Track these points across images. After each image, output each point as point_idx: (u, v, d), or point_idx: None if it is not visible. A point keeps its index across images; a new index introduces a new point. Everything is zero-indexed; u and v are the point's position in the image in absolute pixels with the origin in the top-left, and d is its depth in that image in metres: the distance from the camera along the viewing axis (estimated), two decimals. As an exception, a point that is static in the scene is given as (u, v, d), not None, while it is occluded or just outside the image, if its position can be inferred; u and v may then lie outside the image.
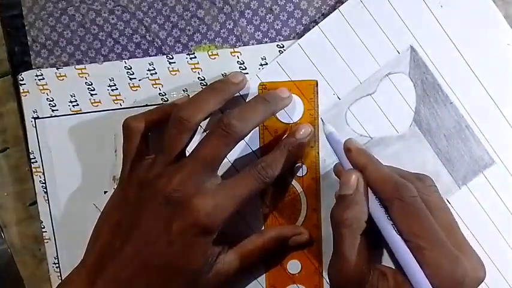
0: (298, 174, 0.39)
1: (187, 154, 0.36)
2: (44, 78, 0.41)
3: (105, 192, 0.42)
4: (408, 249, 0.31)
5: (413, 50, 0.38)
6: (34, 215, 0.43)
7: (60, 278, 0.43)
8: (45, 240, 0.42)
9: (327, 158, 0.39)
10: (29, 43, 0.42)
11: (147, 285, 0.34)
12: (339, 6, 0.38)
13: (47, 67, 0.42)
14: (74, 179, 0.42)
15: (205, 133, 0.40)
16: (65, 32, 0.41)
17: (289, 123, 0.39)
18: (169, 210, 0.34)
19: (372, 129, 0.39)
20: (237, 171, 0.38)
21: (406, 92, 0.38)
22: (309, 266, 0.40)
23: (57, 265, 0.42)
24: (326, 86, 0.39)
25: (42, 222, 0.42)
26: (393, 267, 0.33)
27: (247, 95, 0.39)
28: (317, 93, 0.39)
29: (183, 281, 0.34)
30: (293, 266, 0.40)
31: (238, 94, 0.39)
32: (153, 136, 0.38)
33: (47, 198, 0.42)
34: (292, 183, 0.39)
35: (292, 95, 0.39)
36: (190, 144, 0.36)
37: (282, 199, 0.40)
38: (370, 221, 0.33)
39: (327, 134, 0.36)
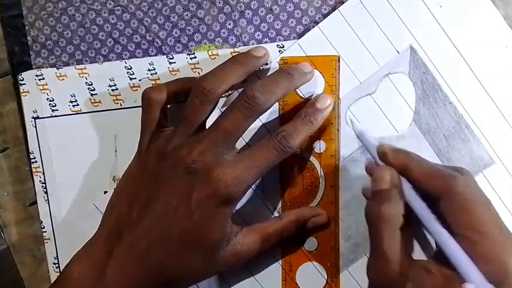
0: (316, 151, 0.39)
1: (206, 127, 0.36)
2: (44, 78, 0.41)
3: (105, 192, 0.42)
4: (458, 244, 0.31)
5: (412, 50, 0.38)
6: (34, 215, 0.43)
7: (60, 278, 0.43)
8: (45, 240, 0.42)
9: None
10: (29, 43, 0.42)
11: (165, 256, 0.34)
12: (339, 6, 0.38)
13: (47, 67, 0.42)
14: (74, 179, 0.42)
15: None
16: (65, 32, 0.41)
17: (309, 99, 0.39)
18: (188, 181, 0.34)
19: (372, 129, 0.39)
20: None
21: (405, 92, 0.38)
22: (325, 244, 0.39)
23: (57, 265, 0.42)
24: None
25: (42, 222, 0.42)
26: (435, 263, 0.32)
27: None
28: (339, 68, 0.38)
29: (201, 253, 0.34)
30: (309, 243, 0.40)
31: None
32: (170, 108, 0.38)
33: (47, 198, 0.42)
34: (311, 159, 0.39)
35: (314, 70, 0.38)
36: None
37: (299, 175, 0.39)
38: (409, 216, 0.32)
39: (357, 133, 0.36)
